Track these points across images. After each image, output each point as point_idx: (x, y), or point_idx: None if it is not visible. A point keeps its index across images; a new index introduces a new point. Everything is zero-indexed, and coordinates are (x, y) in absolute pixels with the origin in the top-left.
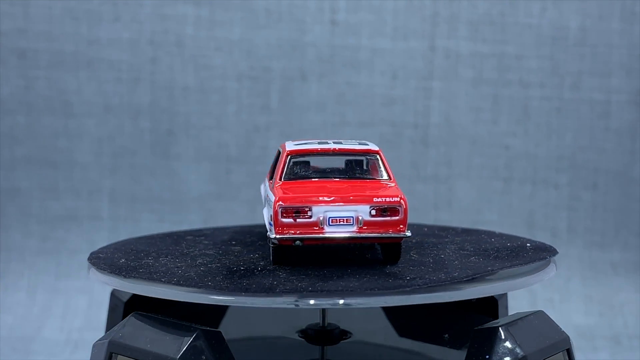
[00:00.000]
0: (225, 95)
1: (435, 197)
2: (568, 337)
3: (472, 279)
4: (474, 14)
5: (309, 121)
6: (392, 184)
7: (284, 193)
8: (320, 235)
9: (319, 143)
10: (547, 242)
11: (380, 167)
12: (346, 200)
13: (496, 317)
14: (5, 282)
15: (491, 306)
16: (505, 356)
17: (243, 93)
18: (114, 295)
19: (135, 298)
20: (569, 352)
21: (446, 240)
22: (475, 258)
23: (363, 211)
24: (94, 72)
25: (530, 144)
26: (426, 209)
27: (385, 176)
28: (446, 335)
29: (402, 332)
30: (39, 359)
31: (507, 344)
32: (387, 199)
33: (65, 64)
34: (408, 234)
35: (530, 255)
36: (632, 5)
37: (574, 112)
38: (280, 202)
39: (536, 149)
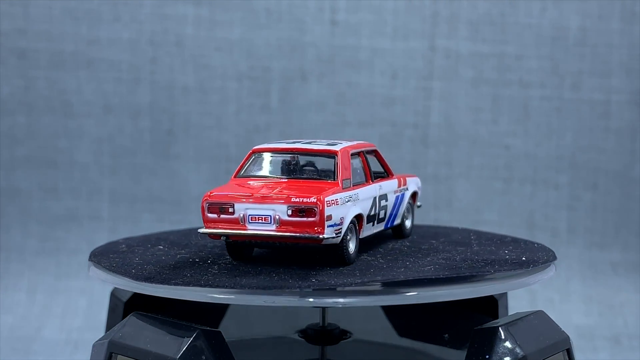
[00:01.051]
0: (225, 95)
1: (435, 197)
2: (568, 337)
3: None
4: (474, 14)
5: (309, 121)
6: (333, 187)
7: (218, 190)
8: (243, 231)
9: (289, 142)
10: (547, 241)
11: (334, 169)
12: (264, 200)
13: (496, 317)
14: (5, 282)
15: (491, 306)
16: (505, 356)
17: (243, 93)
18: (114, 295)
19: (135, 298)
20: (569, 352)
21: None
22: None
23: (281, 210)
24: (94, 72)
25: (530, 144)
26: (426, 209)
27: (341, 177)
28: (446, 335)
29: (402, 332)
30: (39, 359)
31: (507, 344)
32: (304, 200)
33: (65, 64)
34: (326, 235)
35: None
36: (632, 5)
37: (574, 112)
38: (207, 199)
39: (536, 149)
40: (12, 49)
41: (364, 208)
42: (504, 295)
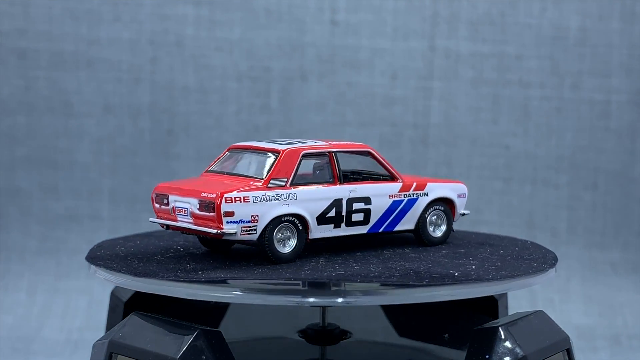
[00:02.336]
0: (225, 95)
1: None
2: (568, 337)
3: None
4: (474, 14)
5: (309, 121)
6: (253, 184)
7: (166, 182)
8: (173, 222)
9: (258, 142)
10: (547, 241)
11: (266, 166)
12: (184, 193)
13: (496, 317)
14: (5, 282)
15: (491, 306)
16: (505, 356)
17: (243, 93)
18: (114, 295)
19: (135, 298)
20: (569, 352)
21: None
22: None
23: (194, 204)
24: (94, 72)
25: (530, 144)
26: None
27: (270, 176)
28: (446, 335)
29: (402, 331)
30: (39, 359)
31: (507, 344)
32: (208, 195)
33: (66, 64)
34: (225, 230)
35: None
36: (632, 5)
37: (574, 112)
38: (154, 190)
39: (536, 149)
40: (13, 49)
41: (309, 208)
42: (504, 295)
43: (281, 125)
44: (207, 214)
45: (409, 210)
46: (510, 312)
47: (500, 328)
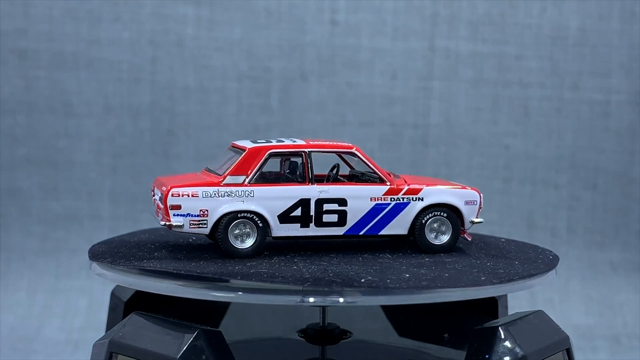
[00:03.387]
0: (225, 95)
1: None
2: (568, 337)
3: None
4: (474, 14)
5: (309, 121)
6: (207, 180)
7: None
8: (157, 216)
9: (250, 141)
10: (547, 241)
11: (232, 164)
12: (159, 186)
13: (496, 317)
14: (6, 282)
15: (491, 306)
16: (505, 356)
17: (243, 93)
18: (114, 294)
19: (135, 297)
20: (569, 352)
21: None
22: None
23: (159, 198)
24: (94, 72)
25: (530, 144)
26: None
27: (229, 172)
28: (446, 335)
29: (402, 331)
30: (39, 358)
31: (507, 344)
32: (163, 189)
33: (66, 64)
34: (173, 223)
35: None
36: (632, 5)
37: (573, 112)
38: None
39: (536, 149)
40: (13, 49)
41: (268, 206)
42: (504, 295)
43: (281, 125)
44: (162, 206)
45: (397, 215)
46: (510, 312)
47: (500, 328)
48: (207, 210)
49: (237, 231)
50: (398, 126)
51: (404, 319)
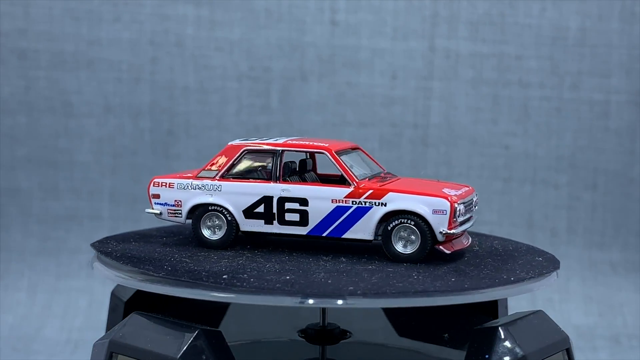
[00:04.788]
0: (225, 95)
1: None
2: (568, 337)
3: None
4: (474, 14)
5: (309, 121)
6: (185, 173)
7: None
8: None
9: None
10: (547, 241)
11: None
12: None
13: (496, 317)
14: (6, 282)
15: (491, 306)
16: (505, 356)
17: (243, 93)
18: (115, 294)
19: (135, 297)
20: (569, 352)
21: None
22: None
23: None
24: (94, 72)
25: (530, 144)
26: None
27: (204, 167)
28: (446, 335)
29: (402, 331)
30: (39, 358)
31: (507, 344)
32: (150, 180)
33: (66, 64)
34: (152, 211)
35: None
36: (632, 5)
37: (573, 112)
38: None
39: (536, 149)
40: (13, 49)
41: (234, 201)
42: None
43: (281, 125)
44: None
45: (360, 219)
46: (510, 312)
47: (500, 328)
48: (180, 201)
49: (209, 222)
50: (398, 126)
51: (404, 319)
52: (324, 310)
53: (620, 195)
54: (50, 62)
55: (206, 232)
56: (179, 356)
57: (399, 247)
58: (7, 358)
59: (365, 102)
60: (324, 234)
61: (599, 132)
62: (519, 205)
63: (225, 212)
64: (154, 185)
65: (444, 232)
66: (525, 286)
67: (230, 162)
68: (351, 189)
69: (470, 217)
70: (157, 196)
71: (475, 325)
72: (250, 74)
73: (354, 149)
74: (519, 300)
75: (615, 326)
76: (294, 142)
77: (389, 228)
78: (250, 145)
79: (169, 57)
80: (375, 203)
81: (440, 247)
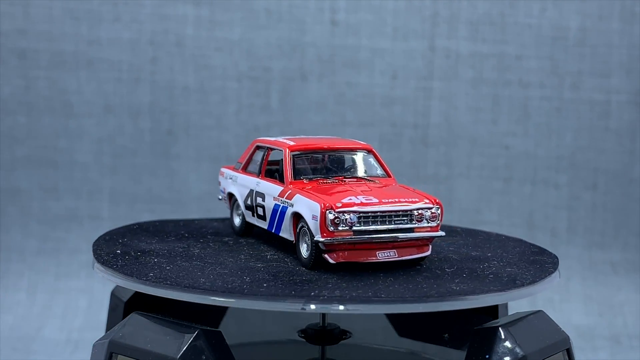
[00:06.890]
0: (225, 95)
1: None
2: (568, 337)
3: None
4: (474, 14)
5: (309, 121)
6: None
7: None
8: None
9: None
10: (547, 241)
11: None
12: None
13: (496, 317)
14: (6, 282)
15: (491, 306)
16: (505, 356)
17: (243, 93)
18: (114, 295)
19: (135, 297)
20: (569, 352)
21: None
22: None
23: None
24: (94, 72)
25: (530, 144)
26: None
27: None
28: (446, 335)
29: (402, 332)
30: (39, 358)
31: (507, 344)
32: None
33: (66, 64)
34: (219, 197)
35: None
36: (632, 5)
37: (574, 112)
38: None
39: (536, 149)
40: (13, 49)
41: (239, 192)
42: None
43: (281, 125)
44: None
45: (283, 218)
46: (510, 312)
47: (500, 328)
48: (225, 189)
49: (239, 211)
50: (398, 126)
51: (404, 320)
52: None
53: (620, 195)
54: (50, 62)
55: (236, 220)
56: (179, 356)
57: (303, 250)
58: (7, 358)
59: (365, 102)
60: (273, 231)
61: (599, 132)
62: (519, 205)
63: (238, 202)
64: (220, 175)
65: (315, 239)
66: (526, 290)
67: (248, 155)
68: (282, 187)
69: (404, 228)
70: (219, 184)
71: (476, 326)
72: (250, 74)
73: (354, 149)
74: (519, 300)
75: (615, 326)
76: (277, 141)
77: (298, 230)
78: (260, 142)
79: (169, 57)
80: (289, 204)
81: (325, 255)
